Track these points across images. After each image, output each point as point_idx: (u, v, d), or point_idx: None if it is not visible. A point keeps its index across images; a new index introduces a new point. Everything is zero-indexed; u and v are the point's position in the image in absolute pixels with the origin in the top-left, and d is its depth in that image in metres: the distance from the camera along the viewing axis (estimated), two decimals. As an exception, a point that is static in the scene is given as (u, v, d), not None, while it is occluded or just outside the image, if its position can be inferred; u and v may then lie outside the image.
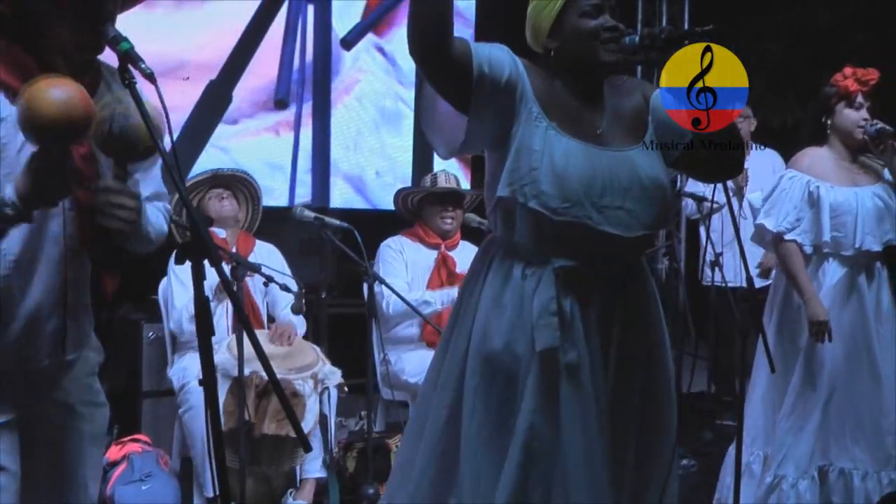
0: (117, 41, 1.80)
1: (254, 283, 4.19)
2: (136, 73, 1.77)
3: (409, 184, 5.94)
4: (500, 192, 2.16)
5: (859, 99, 3.61)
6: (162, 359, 4.37)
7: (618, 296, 2.22)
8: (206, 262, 1.69)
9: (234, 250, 4.07)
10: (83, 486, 2.12)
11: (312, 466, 4.02)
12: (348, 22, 6.08)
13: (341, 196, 6.07)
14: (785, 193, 3.65)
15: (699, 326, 6.15)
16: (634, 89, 2.34)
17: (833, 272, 3.62)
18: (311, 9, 5.95)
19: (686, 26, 6.75)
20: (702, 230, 5.83)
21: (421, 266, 4.41)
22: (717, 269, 5.04)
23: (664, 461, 2.30)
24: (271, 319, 4.41)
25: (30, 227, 1.86)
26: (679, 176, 5.60)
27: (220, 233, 4.26)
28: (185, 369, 3.99)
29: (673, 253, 6.14)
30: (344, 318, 5.51)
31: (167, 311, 4.18)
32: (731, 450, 3.66)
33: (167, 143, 1.82)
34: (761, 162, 5.55)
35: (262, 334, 4.02)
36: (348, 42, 6.08)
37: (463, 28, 6.30)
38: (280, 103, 5.84)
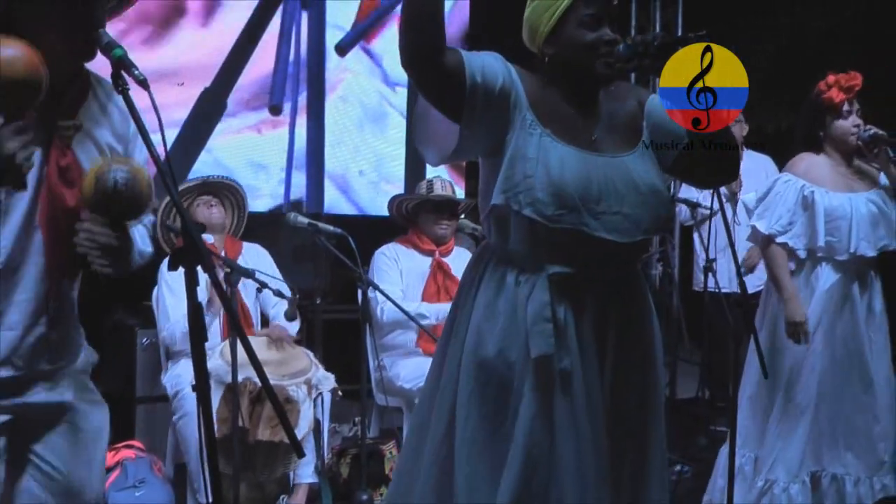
0: (111, 47, 1.80)
1: (245, 287, 4.19)
2: (129, 79, 1.77)
3: (394, 182, 5.96)
4: (494, 199, 2.16)
5: (846, 107, 3.63)
6: (156, 365, 4.36)
7: (612, 302, 2.22)
8: (199, 267, 1.69)
9: (223, 255, 4.07)
10: (85, 484, 2.12)
11: (305, 471, 4.02)
12: (342, 27, 6.10)
13: (325, 195, 6.10)
14: (779, 196, 3.66)
15: (692, 332, 6.16)
16: (629, 94, 2.34)
17: (826, 277, 3.63)
18: (304, 15, 5.97)
19: (680, 31, 6.76)
20: (695, 236, 5.84)
21: (416, 273, 4.41)
22: (710, 274, 5.04)
23: (658, 466, 2.30)
24: (265, 323, 4.41)
25: (17, 235, 1.86)
26: (673, 182, 5.61)
27: (208, 238, 4.27)
28: (180, 376, 3.98)
29: (666, 259, 6.16)
30: (338, 323, 5.51)
31: (159, 322, 4.17)
32: (723, 450, 3.67)
33: (160, 150, 1.82)
34: (754, 166, 5.56)
35: (254, 340, 4.02)
36: (342, 48, 6.10)
37: (457, 32, 6.34)
38: (274, 109, 5.86)
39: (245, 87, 5.78)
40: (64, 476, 2.08)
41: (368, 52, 6.21)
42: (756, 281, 4.96)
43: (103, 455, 2.22)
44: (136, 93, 1.77)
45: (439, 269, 4.41)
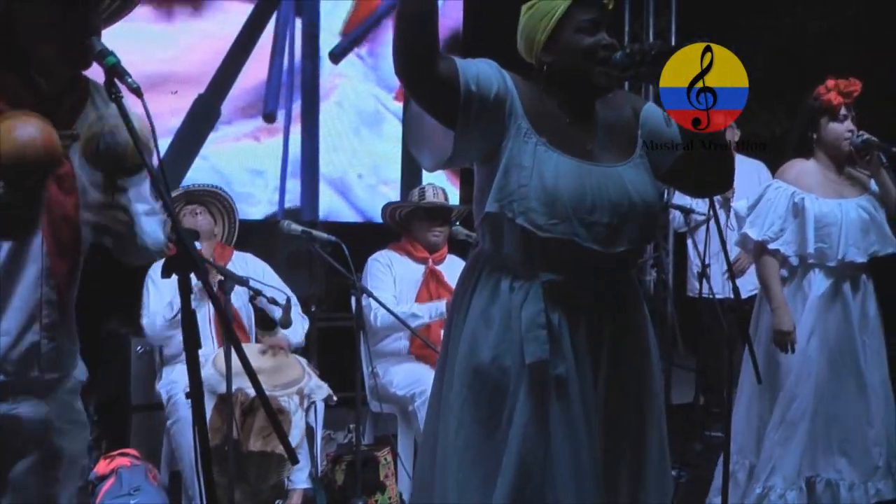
0: (104, 55, 1.80)
1: (237, 293, 4.18)
2: (122, 87, 1.77)
3: (393, 185, 5.95)
4: (488, 207, 2.16)
5: (843, 111, 3.63)
6: (150, 373, 4.35)
7: (606, 309, 2.22)
8: (192, 275, 1.69)
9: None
10: None
11: (299, 477, 4.01)
12: (335, 33, 6.11)
13: (322, 200, 6.10)
14: (770, 203, 3.67)
15: (687, 338, 6.16)
16: (624, 103, 2.34)
17: (818, 283, 3.64)
18: (298, 22, 5.97)
19: (674, 38, 6.77)
20: (689, 242, 5.84)
21: (409, 280, 4.40)
22: (704, 280, 5.05)
23: (656, 475, 2.30)
24: (265, 326, 4.40)
25: (12, 243, 1.86)
26: (667, 188, 5.61)
27: (196, 246, 4.26)
28: (174, 382, 3.97)
29: (661, 265, 6.16)
30: (333, 331, 5.51)
31: (142, 310, 4.14)
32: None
33: (154, 157, 1.82)
34: (747, 172, 5.56)
35: (247, 347, 4.01)
36: (335, 55, 6.11)
37: (452, 41, 6.35)
38: (268, 117, 5.86)
39: (239, 94, 5.77)
40: (39, 499, 2.05)
41: (362, 58, 6.22)
42: (749, 286, 4.97)
43: (77, 478, 2.19)
44: (130, 101, 1.77)
45: (432, 277, 4.41)
